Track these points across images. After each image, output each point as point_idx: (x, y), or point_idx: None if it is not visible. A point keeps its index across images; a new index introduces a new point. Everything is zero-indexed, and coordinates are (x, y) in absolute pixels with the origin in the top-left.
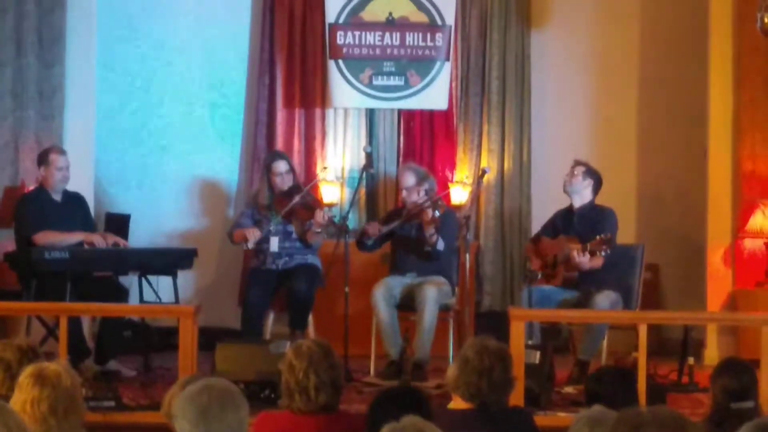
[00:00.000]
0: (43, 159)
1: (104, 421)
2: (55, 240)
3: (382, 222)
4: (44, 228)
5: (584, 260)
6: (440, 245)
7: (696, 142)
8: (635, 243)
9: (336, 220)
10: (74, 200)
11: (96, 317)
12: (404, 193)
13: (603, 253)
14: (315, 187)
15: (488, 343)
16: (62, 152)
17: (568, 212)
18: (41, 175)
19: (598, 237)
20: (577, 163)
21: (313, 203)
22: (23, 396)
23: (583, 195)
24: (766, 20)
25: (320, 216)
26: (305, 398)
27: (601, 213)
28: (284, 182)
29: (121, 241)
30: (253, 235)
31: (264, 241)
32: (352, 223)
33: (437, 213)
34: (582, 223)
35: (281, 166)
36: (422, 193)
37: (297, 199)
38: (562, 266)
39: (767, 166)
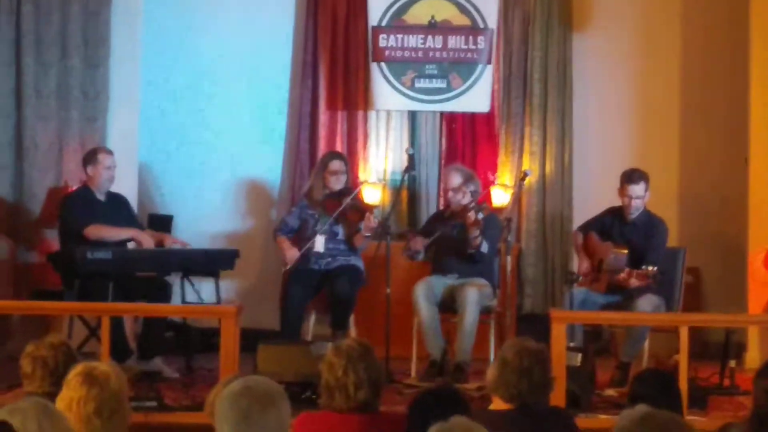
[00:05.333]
0: (90, 158)
1: (146, 421)
2: (107, 234)
3: (424, 232)
4: (93, 222)
5: (632, 282)
6: (484, 247)
7: (738, 146)
8: (677, 246)
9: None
10: (117, 201)
11: (138, 317)
12: (450, 193)
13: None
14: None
15: (527, 344)
16: (110, 152)
17: (621, 215)
18: (87, 175)
19: (645, 269)
20: (640, 177)
21: (363, 207)
22: (70, 394)
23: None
24: None
25: (370, 220)
26: (344, 396)
27: (655, 226)
28: (338, 181)
29: (167, 240)
30: (291, 257)
31: (308, 240)
32: (394, 224)
33: (481, 215)
34: (634, 232)
35: (338, 164)
36: (467, 193)
37: (348, 201)
38: (607, 275)
39: None
